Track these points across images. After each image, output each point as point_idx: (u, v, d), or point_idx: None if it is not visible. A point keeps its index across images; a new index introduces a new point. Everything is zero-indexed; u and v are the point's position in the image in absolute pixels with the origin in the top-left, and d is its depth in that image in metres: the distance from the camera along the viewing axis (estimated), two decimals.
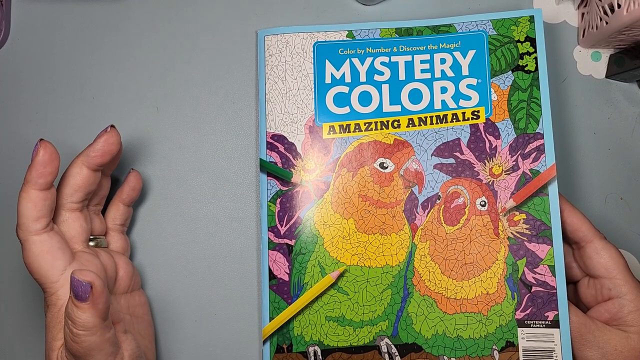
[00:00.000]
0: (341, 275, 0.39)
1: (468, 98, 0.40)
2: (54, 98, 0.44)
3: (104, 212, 0.40)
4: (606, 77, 0.44)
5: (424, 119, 0.40)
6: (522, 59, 0.40)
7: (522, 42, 0.40)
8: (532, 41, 0.40)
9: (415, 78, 0.40)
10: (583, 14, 0.44)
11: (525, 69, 0.40)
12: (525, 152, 0.39)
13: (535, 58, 0.40)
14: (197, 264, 0.42)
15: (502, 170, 0.39)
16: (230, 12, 0.44)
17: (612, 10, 0.39)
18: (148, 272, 0.42)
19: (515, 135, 0.39)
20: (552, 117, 0.40)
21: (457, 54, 0.40)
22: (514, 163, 0.39)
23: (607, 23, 0.39)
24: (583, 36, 0.43)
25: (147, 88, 0.44)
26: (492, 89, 0.40)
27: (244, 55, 0.44)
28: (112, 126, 0.35)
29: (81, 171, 0.35)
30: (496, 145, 0.39)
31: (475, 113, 0.40)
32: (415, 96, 0.40)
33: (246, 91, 0.44)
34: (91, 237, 0.37)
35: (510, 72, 0.40)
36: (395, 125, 0.40)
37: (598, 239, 0.37)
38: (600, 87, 0.44)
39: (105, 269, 0.36)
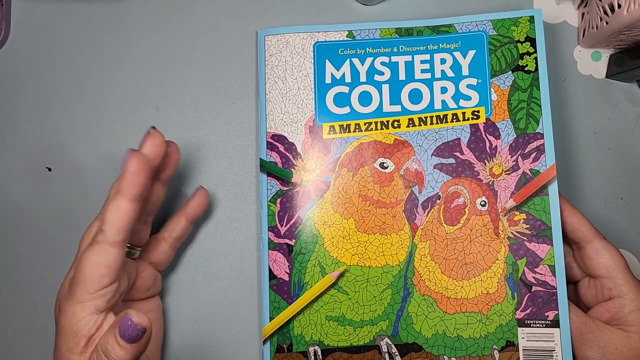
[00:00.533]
0: (341, 275, 0.39)
1: (468, 98, 0.40)
2: (54, 98, 0.44)
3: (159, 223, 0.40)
4: (606, 77, 0.44)
5: (424, 119, 0.40)
6: (522, 59, 0.40)
7: (522, 43, 0.40)
8: (532, 41, 0.40)
9: (416, 78, 0.40)
10: (583, 14, 0.44)
11: (525, 69, 0.40)
12: (526, 152, 0.39)
13: (535, 58, 0.40)
14: (197, 264, 0.42)
15: (502, 170, 0.39)
16: (230, 12, 0.44)
17: (612, 10, 0.39)
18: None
19: (515, 135, 0.39)
20: (552, 117, 0.40)
21: (457, 54, 0.40)
22: (514, 163, 0.39)
23: (607, 23, 0.39)
24: (583, 36, 0.43)
25: (147, 88, 0.44)
26: (492, 89, 0.40)
27: (244, 55, 0.44)
28: (153, 127, 0.34)
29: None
30: (496, 145, 0.39)
31: (476, 113, 0.40)
32: (416, 96, 0.40)
33: (246, 91, 0.44)
34: (128, 245, 0.35)
35: (510, 72, 0.40)
36: (396, 125, 0.40)
37: (598, 239, 0.37)
38: (600, 87, 0.44)
39: (127, 279, 0.35)
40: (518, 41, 0.40)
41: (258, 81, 0.41)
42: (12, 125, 0.44)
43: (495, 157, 0.39)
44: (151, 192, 0.36)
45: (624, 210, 0.43)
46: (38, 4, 0.45)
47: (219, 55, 0.44)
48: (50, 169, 0.43)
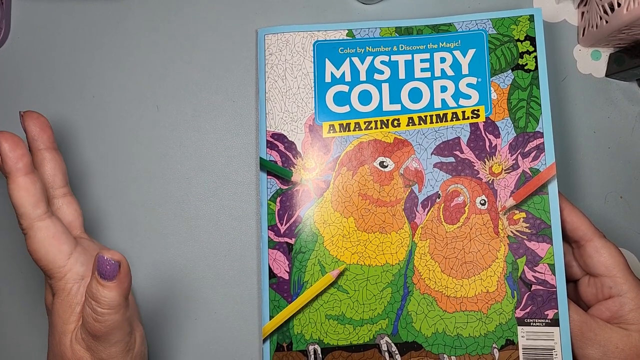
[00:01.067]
0: (341, 273, 0.39)
1: (468, 97, 0.40)
2: (54, 97, 0.44)
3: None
4: (606, 76, 0.44)
5: (424, 117, 0.40)
6: (522, 57, 0.40)
7: (522, 41, 0.40)
8: (532, 40, 0.40)
9: (415, 77, 0.40)
10: (583, 12, 0.44)
11: (525, 67, 0.40)
12: (525, 150, 0.39)
13: (535, 57, 0.40)
14: (197, 263, 0.42)
15: (502, 169, 0.39)
16: (230, 11, 0.44)
17: (612, 9, 0.39)
18: (148, 270, 0.42)
19: (515, 134, 0.39)
20: (552, 116, 0.40)
21: (457, 53, 0.40)
22: (514, 162, 0.39)
23: (607, 22, 0.39)
24: (583, 35, 0.43)
25: (147, 87, 0.44)
26: (492, 88, 0.40)
27: (244, 54, 0.44)
28: (20, 112, 0.35)
29: (46, 155, 0.35)
30: (496, 144, 0.39)
31: (475, 112, 0.40)
32: (415, 95, 0.40)
33: (246, 90, 0.44)
34: None
35: (510, 71, 0.40)
36: (395, 124, 0.40)
37: (598, 238, 0.37)
38: (600, 86, 0.44)
39: (87, 243, 0.36)
40: (518, 40, 0.40)
41: (258, 80, 0.41)
42: (12, 125, 0.44)
43: (495, 155, 0.39)
44: (44, 164, 0.36)
45: (623, 209, 0.43)
46: (38, 3, 0.45)
47: (219, 55, 0.44)
48: None
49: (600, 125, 0.43)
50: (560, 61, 0.44)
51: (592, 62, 0.44)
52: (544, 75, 0.39)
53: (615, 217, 0.43)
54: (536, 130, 0.39)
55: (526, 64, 0.40)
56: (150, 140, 0.43)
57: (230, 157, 0.43)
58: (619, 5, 0.38)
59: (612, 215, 0.43)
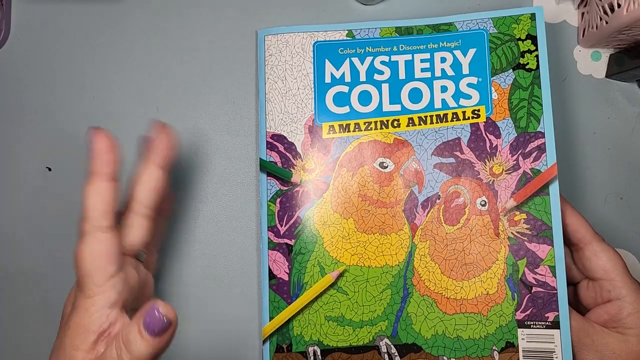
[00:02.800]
0: (341, 275, 0.39)
1: (468, 97, 0.40)
2: (54, 98, 0.44)
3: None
4: (606, 76, 0.44)
5: (424, 118, 0.40)
6: (523, 57, 0.40)
7: (523, 40, 0.40)
8: (534, 39, 0.40)
9: (416, 77, 0.40)
10: (583, 13, 0.44)
11: (527, 67, 0.40)
12: (526, 151, 0.39)
13: (537, 56, 0.39)
14: (197, 264, 0.42)
15: (503, 169, 0.39)
16: (230, 12, 0.44)
17: (612, 10, 0.39)
18: None
19: (516, 134, 0.39)
20: (553, 117, 0.40)
21: (458, 53, 0.40)
22: (515, 162, 0.39)
23: (607, 23, 0.39)
24: (583, 36, 0.43)
25: (147, 88, 0.44)
26: (492, 88, 0.40)
27: (243, 55, 0.44)
28: (162, 124, 0.33)
29: (156, 172, 0.33)
30: (497, 145, 0.39)
31: (476, 112, 0.40)
32: (416, 95, 0.40)
33: (246, 91, 0.44)
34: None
35: (511, 70, 0.40)
36: (395, 125, 0.40)
37: (597, 241, 0.37)
38: (600, 87, 0.44)
39: (136, 274, 0.34)
40: (519, 39, 0.40)
41: (258, 81, 0.41)
42: (12, 125, 0.44)
43: (495, 156, 0.39)
44: (145, 178, 0.34)
45: (623, 210, 0.43)
46: (38, 4, 0.45)
47: (219, 55, 0.44)
48: (50, 169, 0.43)
49: (600, 126, 0.43)
50: (561, 62, 0.44)
51: (592, 62, 0.44)
52: (545, 75, 0.39)
53: (615, 218, 0.42)
54: (537, 130, 0.39)
55: (527, 63, 0.40)
56: None
57: (230, 158, 0.43)
58: (619, 6, 0.38)
59: (612, 216, 0.42)
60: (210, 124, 0.43)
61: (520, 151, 0.39)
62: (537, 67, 0.39)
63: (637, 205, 0.43)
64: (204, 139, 0.43)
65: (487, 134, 0.39)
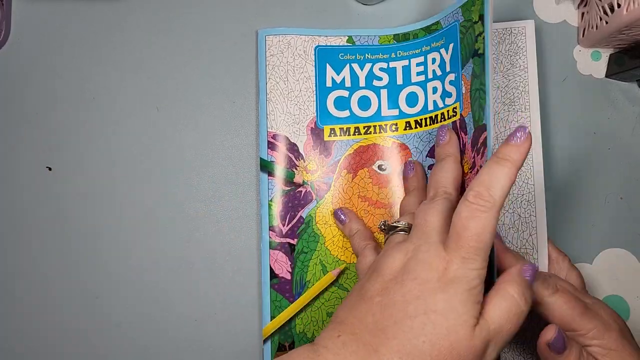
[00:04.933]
0: (342, 272, 0.39)
1: (450, 95, 0.38)
2: (54, 98, 0.44)
3: None
4: (606, 76, 0.44)
5: (419, 121, 0.40)
6: (477, 41, 0.35)
7: (476, 23, 0.35)
8: (483, 19, 0.35)
9: (412, 82, 0.40)
10: (583, 13, 0.44)
11: (479, 52, 0.35)
12: (478, 146, 0.34)
13: (484, 38, 0.34)
14: (198, 264, 0.42)
15: (469, 167, 0.35)
16: (230, 12, 0.44)
17: (612, 9, 0.39)
18: (148, 271, 0.42)
19: (474, 129, 0.35)
20: (553, 117, 0.40)
21: (443, 51, 0.39)
22: (473, 160, 0.35)
23: (607, 23, 0.39)
24: (583, 36, 0.43)
25: (147, 88, 0.44)
26: (462, 82, 0.37)
27: (244, 55, 0.44)
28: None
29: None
30: (465, 142, 0.36)
31: (455, 110, 0.38)
32: (412, 99, 0.40)
33: (246, 91, 0.44)
34: None
35: (471, 59, 0.36)
36: (393, 129, 0.40)
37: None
38: (600, 87, 0.44)
39: None
40: (475, 22, 0.35)
41: (258, 81, 0.41)
42: (13, 125, 0.43)
43: (465, 154, 0.36)
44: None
45: (623, 210, 0.43)
46: (38, 4, 0.45)
47: (219, 55, 0.44)
48: (50, 169, 0.43)
49: (600, 126, 0.43)
50: (561, 62, 0.44)
51: (592, 62, 0.44)
52: (488, 59, 0.34)
53: (615, 217, 0.43)
54: (483, 122, 0.34)
55: (479, 49, 0.35)
56: (151, 141, 0.43)
57: (230, 158, 0.43)
58: (618, 6, 0.38)
59: (612, 216, 0.43)
60: (211, 123, 0.43)
61: (475, 147, 0.35)
62: (484, 51, 0.34)
63: (637, 205, 0.43)
64: (204, 139, 0.43)
65: (461, 131, 0.37)
